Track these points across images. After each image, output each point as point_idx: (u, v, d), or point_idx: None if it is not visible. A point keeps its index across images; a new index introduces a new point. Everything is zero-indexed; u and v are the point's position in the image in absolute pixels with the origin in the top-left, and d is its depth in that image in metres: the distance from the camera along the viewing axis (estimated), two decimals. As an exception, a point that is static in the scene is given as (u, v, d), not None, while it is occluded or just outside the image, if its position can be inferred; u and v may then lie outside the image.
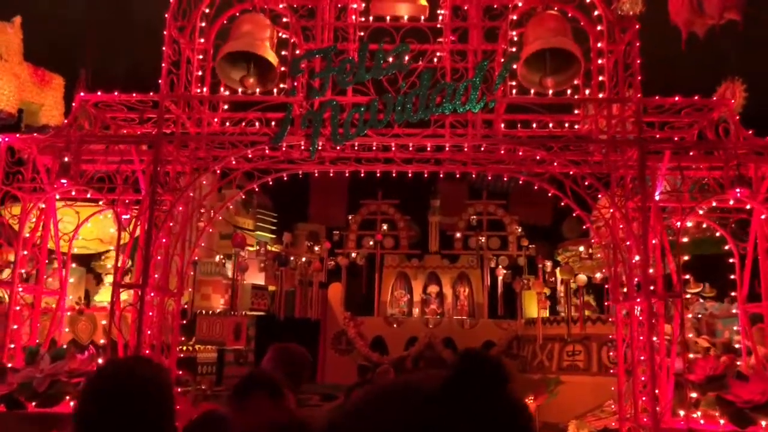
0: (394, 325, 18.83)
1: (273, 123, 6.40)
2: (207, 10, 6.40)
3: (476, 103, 5.77)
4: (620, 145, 6.04)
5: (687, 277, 5.81)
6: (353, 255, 18.07)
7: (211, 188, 6.93)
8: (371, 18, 6.42)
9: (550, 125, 6.55)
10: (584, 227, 6.92)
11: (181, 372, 6.61)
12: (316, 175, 6.84)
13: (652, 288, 5.66)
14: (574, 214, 6.67)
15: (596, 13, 6.28)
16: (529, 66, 6.12)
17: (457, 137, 6.09)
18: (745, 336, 6.22)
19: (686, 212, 5.89)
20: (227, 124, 6.60)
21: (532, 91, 6.04)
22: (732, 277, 6.45)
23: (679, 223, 6.22)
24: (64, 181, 5.96)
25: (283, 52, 6.26)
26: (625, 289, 6.34)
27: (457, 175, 6.84)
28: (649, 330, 5.53)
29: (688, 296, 10.04)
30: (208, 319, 15.40)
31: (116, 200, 6.29)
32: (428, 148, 6.24)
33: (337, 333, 19.18)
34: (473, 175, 6.86)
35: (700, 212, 6.11)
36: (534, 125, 6.55)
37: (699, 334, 9.69)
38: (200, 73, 6.39)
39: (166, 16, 6.21)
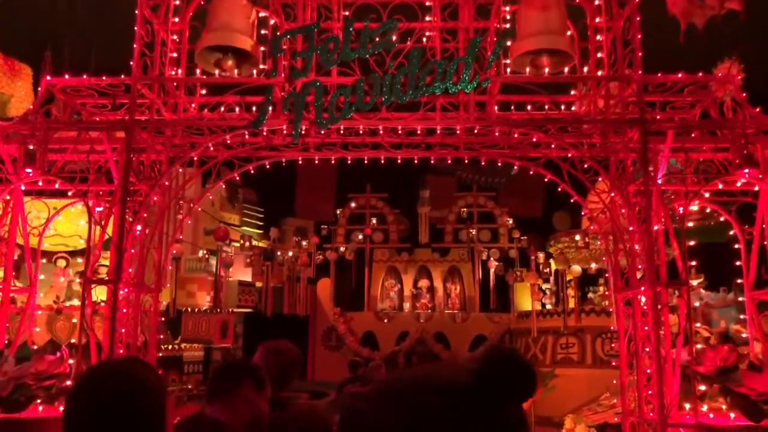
0: (385, 320, 18.53)
1: (254, 108, 6.05)
2: (182, -12, 6.02)
3: (468, 82, 5.43)
4: (621, 125, 5.72)
5: (693, 263, 5.47)
6: (342, 249, 17.73)
7: (190, 177, 6.54)
8: (356, -6, 6.07)
9: (546, 107, 6.22)
10: (582, 213, 6.55)
11: (160, 372, 6.22)
12: (300, 162, 6.48)
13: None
14: (571, 200, 6.34)
15: (593, -14, 5.97)
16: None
17: (448, 120, 5.75)
18: (752, 325, 5.93)
19: (690, 196, 5.58)
20: (205, 110, 6.23)
21: (528, 70, 5.70)
22: (738, 263, 6.16)
23: (681, 209, 5.94)
24: (29, 170, 5.57)
25: (263, 31, 5.89)
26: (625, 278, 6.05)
27: (449, 161, 6.51)
28: (654, 320, 5.22)
29: (694, 284, 9.76)
30: (194, 317, 15.03)
31: (87, 191, 5.92)
32: (418, 132, 5.89)
33: (326, 329, 18.85)
34: (465, 160, 6.44)
35: (706, 195, 5.81)
36: (529, 107, 6.22)
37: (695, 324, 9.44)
38: (175, 55, 6.00)
39: (138, -7, 5.83)
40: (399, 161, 6.44)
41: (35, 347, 6.27)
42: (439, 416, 1.06)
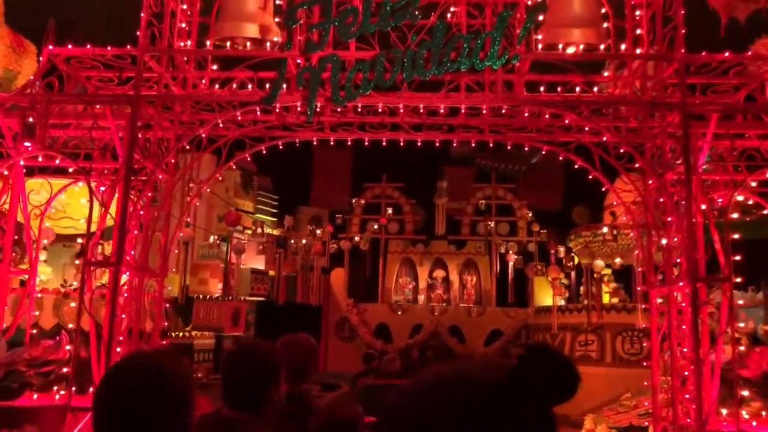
0: (399, 313, 18.20)
1: (267, 85, 5.69)
2: (193, -45, 5.68)
3: (497, 58, 5.04)
4: (660, 107, 5.30)
5: (737, 258, 5.06)
6: (356, 239, 17.39)
7: (198, 156, 6.20)
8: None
9: (578, 89, 5.81)
10: (610, 204, 6.13)
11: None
12: (315, 142, 6.12)
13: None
14: (603, 188, 5.95)
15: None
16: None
17: (474, 99, 5.36)
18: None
19: (736, 185, 5.16)
20: (216, 87, 5.88)
21: (560, 46, 5.29)
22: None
23: (721, 200, 5.53)
24: (28, 144, 5.26)
25: (278, 1, 5.53)
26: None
27: (473, 144, 6.12)
28: (694, 318, 4.82)
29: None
30: (206, 305, 14.76)
31: (90, 169, 5.61)
32: (441, 110, 5.51)
33: (339, 320, 18.55)
34: (490, 144, 6.04)
35: (753, 184, 5.38)
36: (559, 89, 5.80)
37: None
38: (185, 26, 5.66)
39: (146, -40, 5.48)
40: (419, 143, 6.06)
41: (34, 332, 5.99)
42: (479, 416, 1.06)
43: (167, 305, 7.57)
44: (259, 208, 17.64)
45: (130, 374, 1.94)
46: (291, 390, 3.32)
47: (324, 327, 18.83)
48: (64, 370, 5.12)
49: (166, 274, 5.93)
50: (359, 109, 5.56)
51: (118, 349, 5.38)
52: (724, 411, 5.28)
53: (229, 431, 2.71)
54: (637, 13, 5.57)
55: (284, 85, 5.23)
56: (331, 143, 6.16)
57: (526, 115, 5.45)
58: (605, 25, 5.63)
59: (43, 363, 4.99)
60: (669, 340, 5.32)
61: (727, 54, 5.18)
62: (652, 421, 5.95)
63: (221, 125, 5.66)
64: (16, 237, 6.09)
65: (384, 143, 6.08)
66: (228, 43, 5.38)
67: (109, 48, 5.37)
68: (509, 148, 6.11)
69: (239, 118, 5.58)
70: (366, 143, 6.08)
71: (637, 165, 5.52)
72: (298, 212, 19.02)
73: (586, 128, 5.46)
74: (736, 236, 5.18)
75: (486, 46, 5.08)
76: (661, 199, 5.32)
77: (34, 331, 6.01)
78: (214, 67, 5.88)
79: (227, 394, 2.82)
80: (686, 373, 4.99)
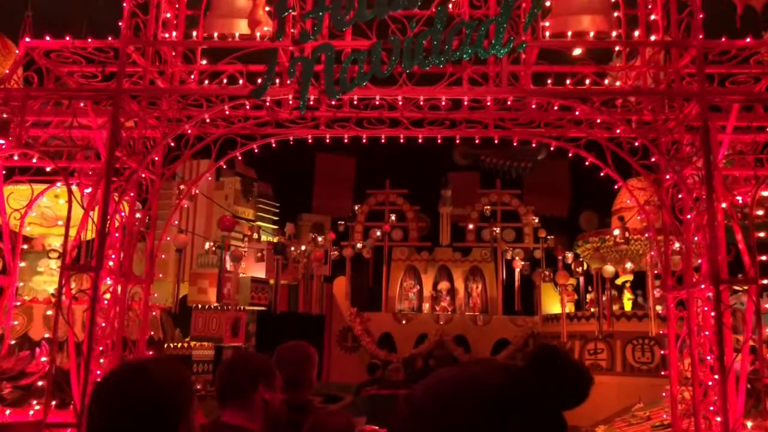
0: (403, 322, 17.82)
1: (259, 81, 5.36)
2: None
3: (502, 46, 4.70)
4: (678, 98, 4.95)
5: (764, 258, 4.69)
6: (359, 246, 17.04)
7: (184, 155, 5.87)
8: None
9: (587, 82, 5.46)
10: (623, 206, 5.79)
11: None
12: (310, 140, 5.78)
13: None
14: (616, 186, 5.59)
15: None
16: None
17: (477, 90, 5.01)
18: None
19: (759, 181, 4.80)
20: (206, 83, 5.56)
21: (569, 34, 4.95)
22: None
23: (740, 197, 5.17)
24: (2, 141, 4.95)
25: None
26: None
27: (477, 141, 5.77)
28: (718, 323, 4.45)
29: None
30: (204, 314, 14.43)
31: (71, 169, 5.30)
32: (443, 103, 5.17)
33: (342, 329, 18.18)
34: (495, 141, 5.69)
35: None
36: (568, 82, 5.46)
37: (735, 331, 8.58)
38: (169, 15, 5.35)
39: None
40: (420, 140, 5.72)
41: (12, 342, 5.65)
42: (490, 419, 1.03)
43: (154, 313, 7.21)
44: (259, 216, 17.30)
45: (113, 387, 1.90)
46: (291, 399, 3.28)
47: (327, 337, 18.48)
48: (39, 383, 4.77)
49: (152, 281, 5.59)
50: (355, 103, 5.22)
51: (102, 360, 5.07)
52: (750, 424, 4.91)
53: None
54: (651, -2, 5.23)
55: (276, 78, 4.92)
56: (327, 141, 5.81)
57: (534, 106, 5.10)
58: (616, 14, 5.31)
59: (20, 375, 4.65)
60: (689, 347, 4.94)
61: (748, 40, 4.83)
62: (671, 435, 5.56)
63: (209, 121, 5.33)
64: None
65: (383, 140, 5.74)
66: (216, 34, 5.06)
67: (89, 40, 5.06)
68: (515, 144, 5.75)
69: (227, 112, 5.25)
70: (364, 140, 5.74)
71: (653, 159, 5.16)
72: (299, 219, 18.70)
73: (598, 120, 5.11)
74: (761, 234, 4.82)
75: (490, 34, 4.75)
76: (680, 196, 4.96)
77: (12, 342, 5.67)
78: (203, 62, 5.57)
79: (219, 393, 2.88)
80: (710, 383, 4.61)
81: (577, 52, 5.23)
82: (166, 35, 5.27)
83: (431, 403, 1.09)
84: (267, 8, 5.16)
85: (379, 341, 17.46)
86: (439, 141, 5.74)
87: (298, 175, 18.73)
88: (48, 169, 5.18)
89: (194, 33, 5.22)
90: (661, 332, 6.91)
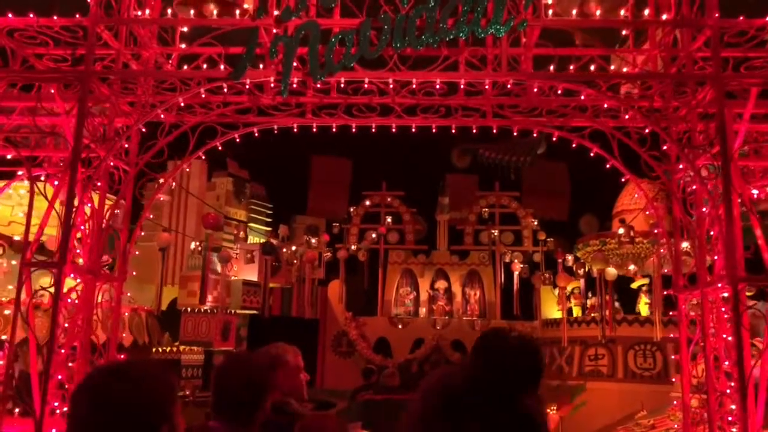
0: (399, 326, 17.40)
1: (242, 65, 4.98)
2: None
3: (501, 24, 4.33)
4: (691, 81, 4.58)
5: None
6: (353, 248, 16.64)
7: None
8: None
9: (592, 68, 5.07)
10: (636, 196, 5.42)
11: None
12: (295, 129, 5.40)
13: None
14: (623, 179, 5.22)
15: None
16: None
17: (474, 73, 4.64)
18: None
19: (778, 172, 4.43)
20: (185, 67, 5.17)
21: (573, 12, 4.58)
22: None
23: (756, 191, 4.81)
24: (-43, 126, 4.57)
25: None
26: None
27: (474, 130, 5.39)
28: (736, 326, 4.06)
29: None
30: (194, 318, 14.02)
31: (38, 159, 4.94)
32: (437, 86, 4.79)
33: (337, 334, 17.73)
34: (493, 130, 5.31)
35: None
36: (571, 67, 5.07)
37: (756, 333, 8.21)
38: (144, -7, 4.97)
39: None
40: (413, 129, 5.34)
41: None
42: (441, 419, 1.04)
43: (125, 314, 6.82)
44: (252, 217, 16.91)
45: (96, 386, 1.87)
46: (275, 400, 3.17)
47: (321, 342, 18.05)
48: (-3, 389, 4.37)
49: (124, 279, 5.20)
50: (343, 85, 4.84)
51: (71, 365, 4.69)
52: (769, 435, 4.53)
53: None
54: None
55: (259, 64, 4.56)
56: (314, 130, 5.43)
57: (535, 90, 4.72)
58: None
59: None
60: (704, 351, 4.56)
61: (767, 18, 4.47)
62: (683, 447, 5.17)
63: (184, 106, 4.95)
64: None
65: (374, 129, 5.36)
66: (192, 11, 4.68)
67: (55, 18, 4.68)
68: (515, 133, 5.37)
69: (203, 96, 4.87)
70: (353, 129, 5.36)
71: (664, 147, 4.79)
72: (293, 221, 18.30)
73: (605, 105, 4.73)
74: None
75: (489, 12, 4.38)
76: (694, 186, 4.58)
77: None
78: (183, 46, 5.18)
79: (219, 406, 2.72)
80: (727, 390, 4.22)
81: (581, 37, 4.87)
82: (140, 14, 4.89)
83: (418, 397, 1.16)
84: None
85: (374, 346, 17.05)
86: (433, 130, 5.36)
87: (292, 177, 18.37)
88: (9, 157, 4.80)
89: (169, 11, 4.83)
90: (671, 336, 6.51)
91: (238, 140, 5.37)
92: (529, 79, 4.63)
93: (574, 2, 4.68)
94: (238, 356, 3.28)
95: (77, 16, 4.66)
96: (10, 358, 4.34)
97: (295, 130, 5.45)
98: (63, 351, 4.37)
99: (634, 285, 12.82)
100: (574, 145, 5.27)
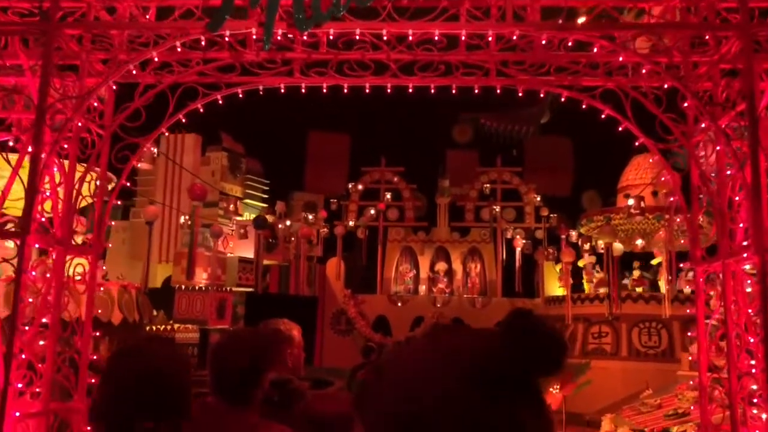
0: (399, 304, 17.13)
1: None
2: None
3: (506, -33, 3.91)
4: (715, 31, 4.17)
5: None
6: (351, 224, 16.30)
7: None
8: None
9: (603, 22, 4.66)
10: (651, 160, 5.02)
11: (95, 357, 4.87)
12: (283, 89, 4.99)
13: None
14: (637, 143, 4.83)
15: None
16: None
17: (476, 21, 4.23)
18: None
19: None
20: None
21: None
22: None
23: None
24: None
25: None
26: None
27: (476, 90, 4.98)
28: (763, 299, 3.70)
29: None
30: (188, 295, 13.70)
31: (9, 122, 4.56)
32: (436, 38, 4.37)
33: (335, 312, 17.48)
34: (497, 90, 4.90)
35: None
36: (582, 19, 4.65)
37: None
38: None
39: None
40: (410, 89, 4.94)
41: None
42: (456, 392, 0.96)
43: (101, 289, 6.44)
44: (248, 193, 16.55)
45: (132, 356, 1.99)
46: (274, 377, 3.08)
47: (320, 320, 17.80)
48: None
49: (100, 251, 4.84)
50: (332, 38, 4.43)
51: (42, 342, 4.34)
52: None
53: (219, 420, 2.50)
54: None
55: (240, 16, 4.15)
56: (303, 91, 5.02)
57: (543, 42, 4.30)
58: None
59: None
60: (725, 328, 4.21)
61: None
62: (699, 430, 4.84)
63: (160, 63, 4.55)
64: None
65: (368, 90, 4.96)
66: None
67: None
68: (520, 94, 4.96)
69: (179, 50, 4.47)
70: (345, 90, 4.96)
71: (685, 104, 4.39)
72: (291, 198, 17.94)
73: (620, 58, 4.33)
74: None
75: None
76: (717, 147, 4.19)
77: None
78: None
79: (218, 385, 2.57)
80: (752, 370, 3.87)
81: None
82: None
83: (401, 374, 1.03)
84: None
85: (374, 324, 16.79)
86: (432, 90, 4.95)
87: (289, 153, 17.98)
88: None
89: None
90: (688, 311, 6.16)
91: (221, 102, 4.97)
92: (537, 30, 4.22)
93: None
94: (237, 333, 3.29)
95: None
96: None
97: (283, 90, 5.04)
98: (28, 328, 4.01)
99: (654, 261, 12.45)
100: (584, 106, 4.86)
